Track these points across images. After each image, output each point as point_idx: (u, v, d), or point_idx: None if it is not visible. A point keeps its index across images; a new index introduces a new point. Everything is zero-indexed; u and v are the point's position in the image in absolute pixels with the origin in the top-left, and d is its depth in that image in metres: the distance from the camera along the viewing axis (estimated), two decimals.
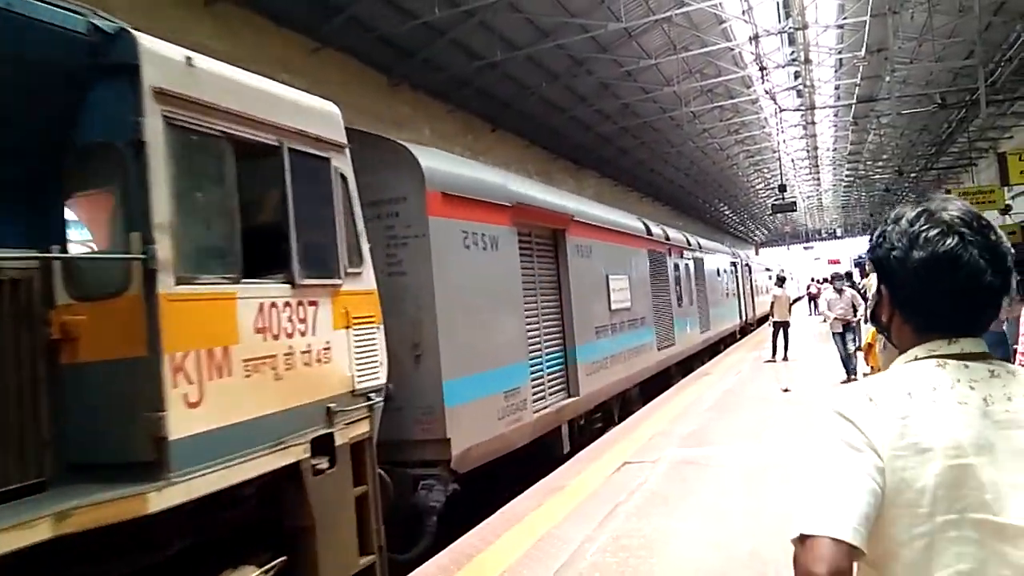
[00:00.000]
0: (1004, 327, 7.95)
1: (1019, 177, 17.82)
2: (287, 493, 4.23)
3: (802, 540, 1.23)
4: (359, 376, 4.91)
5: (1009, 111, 24.83)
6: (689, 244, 17.38)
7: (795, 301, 27.80)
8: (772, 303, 17.16)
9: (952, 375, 1.34)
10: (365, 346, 5.02)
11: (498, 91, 20.28)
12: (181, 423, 3.35)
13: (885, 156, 37.39)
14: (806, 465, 1.34)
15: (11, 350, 3.22)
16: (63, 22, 3.30)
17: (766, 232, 77.41)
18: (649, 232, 13.87)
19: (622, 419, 10.81)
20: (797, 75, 25.32)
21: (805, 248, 73.43)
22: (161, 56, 3.58)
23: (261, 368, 3.95)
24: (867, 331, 10.31)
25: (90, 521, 2.97)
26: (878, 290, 1.51)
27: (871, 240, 1.51)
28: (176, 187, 3.51)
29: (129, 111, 3.37)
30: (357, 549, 4.68)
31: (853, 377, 11.58)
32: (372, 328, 5.14)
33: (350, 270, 4.93)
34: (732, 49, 22.24)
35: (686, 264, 16.63)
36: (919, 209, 1.41)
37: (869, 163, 40.58)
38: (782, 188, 32.84)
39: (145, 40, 3.51)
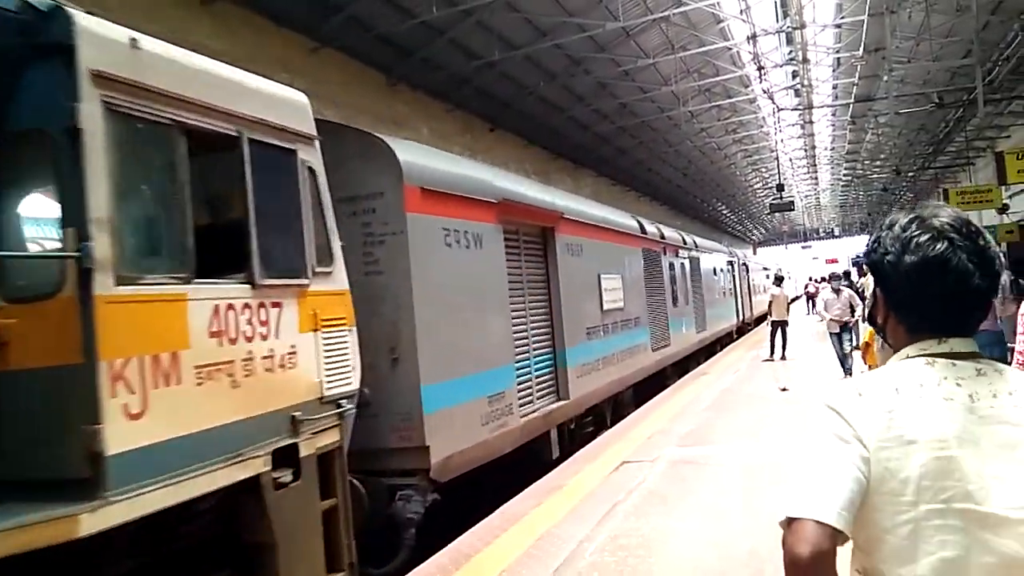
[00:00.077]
0: (999, 325, 7.98)
1: (1016, 176, 17.76)
2: (246, 508, 3.95)
3: (789, 523, 1.31)
4: (328, 382, 4.62)
5: (1007, 110, 24.76)
6: (685, 243, 17.03)
7: (793, 300, 27.80)
8: (770, 302, 17.02)
9: (940, 373, 1.40)
10: (336, 350, 4.73)
11: (496, 91, 20.18)
12: (120, 436, 3.05)
13: (883, 155, 37.34)
14: (798, 455, 1.41)
15: None
16: None
17: (764, 231, 77.36)
18: (643, 230, 13.55)
19: (615, 422, 10.50)
20: (795, 74, 25.23)
21: (803, 247, 73.44)
22: (101, 36, 3.28)
23: (216, 375, 3.66)
24: (865, 330, 10.33)
25: (14, 546, 2.68)
26: (874, 292, 1.57)
27: (867, 245, 1.57)
28: (117, 179, 3.21)
29: (64, 95, 3.08)
30: (324, 566, 4.41)
31: (850, 376, 11.61)
32: (344, 331, 4.85)
33: (319, 269, 4.64)
34: (730, 48, 22.11)
35: (682, 263, 16.28)
36: (911, 216, 1.47)
37: (867, 162, 40.52)
38: (780, 187, 32.81)
39: (83, 19, 3.21)
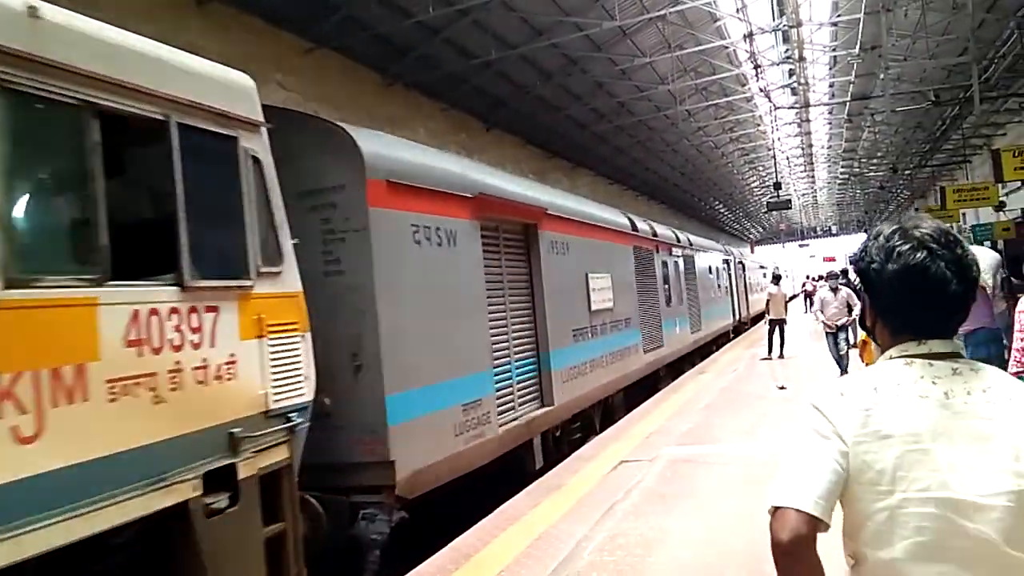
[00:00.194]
0: (996, 323, 7.99)
1: (1013, 174, 17.76)
2: (173, 539, 3.52)
3: (774, 511, 1.46)
4: (276, 394, 4.18)
5: (1003, 108, 24.69)
6: (678, 241, 16.54)
7: (791, 299, 27.82)
8: (768, 301, 16.83)
9: (917, 372, 1.52)
10: (285, 358, 4.30)
11: (493, 90, 20.05)
12: (6, 464, 2.62)
13: (880, 153, 37.27)
14: (786, 450, 1.55)
15: None
16: None
17: (761, 230, 77.36)
18: (634, 228, 13.04)
19: (605, 427, 10.08)
20: (791, 73, 25.16)
21: (800, 246, 73.58)
22: None
23: (134, 389, 3.21)
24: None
25: None
26: (862, 298, 1.71)
27: (856, 254, 1.68)
28: (8, 166, 2.79)
29: None
30: None
31: (846, 375, 11.60)
32: (295, 337, 4.41)
33: (264, 269, 4.21)
34: (726, 47, 21.97)
35: (675, 262, 15.80)
36: (895, 227, 1.60)
37: (864, 160, 40.46)
38: (777, 186, 32.81)
39: None
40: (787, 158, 41.69)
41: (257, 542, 3.95)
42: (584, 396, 9.61)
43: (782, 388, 11.82)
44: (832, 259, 56.91)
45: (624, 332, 11.59)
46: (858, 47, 19.66)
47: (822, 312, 12.88)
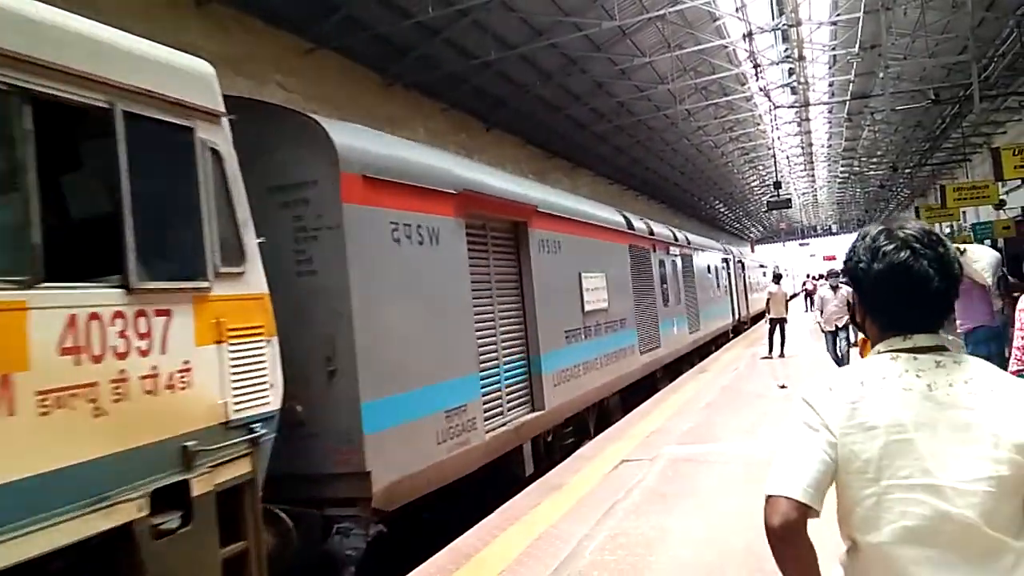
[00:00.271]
0: (996, 321, 8.00)
1: (1013, 172, 17.72)
2: (117, 563, 3.21)
3: (767, 499, 1.55)
4: (237, 403, 3.88)
5: (1003, 106, 24.63)
6: (676, 239, 16.21)
7: (792, 298, 27.80)
8: (768, 300, 16.79)
9: (902, 366, 1.59)
10: (248, 364, 4.01)
11: (493, 90, 19.96)
12: None
13: (879, 152, 37.22)
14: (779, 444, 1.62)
15: None
16: None
17: (762, 229, 77.31)
18: (630, 226, 12.67)
19: (600, 431, 9.77)
20: (791, 72, 25.11)
21: (801, 245, 73.58)
22: None
23: (69, 402, 2.92)
24: None
25: None
26: (853, 296, 1.77)
27: (846, 255, 1.76)
28: None
29: None
30: None
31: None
32: (259, 341, 4.12)
33: (224, 269, 3.91)
34: (726, 47, 21.89)
35: (673, 261, 15.48)
36: (881, 228, 1.68)
37: (864, 159, 40.42)
38: (777, 185, 32.77)
39: None
40: (787, 157, 41.65)
41: (214, 563, 3.65)
42: (577, 399, 9.28)
43: (783, 387, 11.80)
44: (832, 258, 56.79)
45: (620, 333, 11.25)
46: (857, 46, 19.64)
47: (821, 311, 12.87)
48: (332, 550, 4.96)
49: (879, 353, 1.65)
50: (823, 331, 12.83)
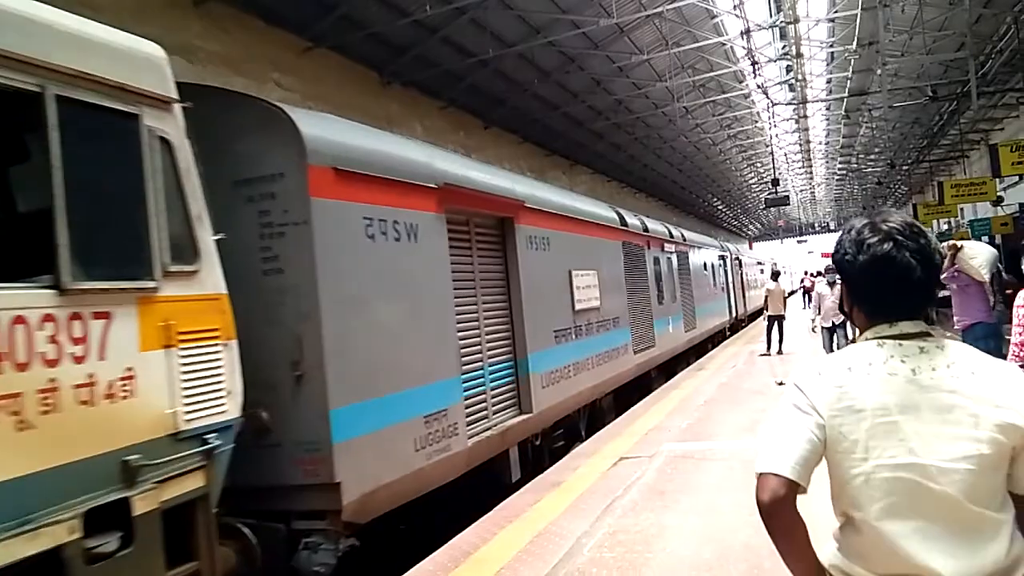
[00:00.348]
0: (994, 318, 8.02)
1: (1010, 168, 17.78)
2: None
3: (758, 477, 1.69)
4: (189, 412, 3.62)
5: (1000, 103, 24.67)
6: (671, 236, 15.92)
7: (790, 295, 27.82)
8: (766, 297, 16.85)
9: (887, 352, 1.69)
10: (202, 370, 3.75)
11: (490, 88, 19.96)
12: None
13: (877, 149, 37.22)
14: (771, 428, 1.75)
15: None
16: None
17: (760, 226, 77.35)
18: (623, 222, 12.34)
19: (592, 433, 9.54)
20: (789, 69, 25.07)
21: (799, 242, 73.56)
22: None
23: None
24: None
25: None
26: (841, 286, 1.89)
27: (834, 247, 1.85)
28: None
29: None
30: None
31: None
32: (215, 346, 3.86)
33: (175, 268, 3.65)
34: (724, 44, 21.93)
35: (668, 258, 15.21)
36: (865, 221, 1.78)
37: (861, 156, 40.40)
38: (775, 182, 32.76)
39: None
40: (785, 154, 41.69)
41: None
42: (567, 401, 8.98)
43: (781, 384, 11.80)
44: (830, 255, 56.92)
45: (612, 332, 10.98)
46: (855, 43, 19.62)
47: (819, 308, 12.87)
48: (299, 566, 4.67)
49: (866, 340, 1.74)
50: (819, 328, 12.81)
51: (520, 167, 22.44)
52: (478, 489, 6.73)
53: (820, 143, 40.48)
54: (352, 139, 5.69)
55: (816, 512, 1.80)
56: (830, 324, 12.49)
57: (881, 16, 16.60)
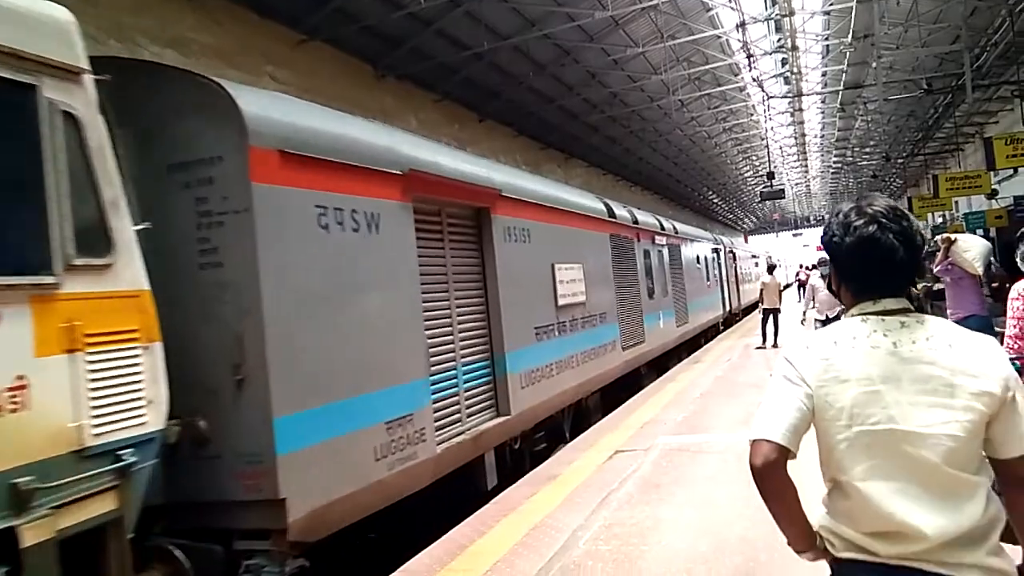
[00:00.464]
0: (986, 310, 8.06)
1: (1005, 162, 17.81)
2: None
3: (751, 444, 1.81)
4: (98, 426, 3.18)
5: (995, 96, 24.74)
6: (663, 228, 15.45)
7: (785, 288, 27.86)
8: (761, 290, 16.86)
9: (871, 327, 1.81)
10: (115, 377, 3.30)
11: (485, 81, 19.96)
12: None
13: (872, 142, 37.33)
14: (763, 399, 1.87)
15: None
16: None
17: (755, 220, 77.48)
18: (612, 214, 11.84)
19: (577, 433, 9.09)
20: (784, 62, 25.13)
21: (794, 235, 73.67)
22: None
23: None
24: None
25: None
26: (830, 266, 1.99)
27: (823, 230, 1.99)
28: None
29: None
30: None
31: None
32: (132, 349, 3.42)
33: (80, 261, 3.20)
34: (719, 37, 21.94)
35: (659, 251, 14.74)
36: (852, 205, 1.90)
37: (856, 149, 40.52)
38: (770, 175, 32.78)
39: None
40: (780, 147, 41.76)
41: None
42: (550, 401, 8.50)
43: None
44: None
45: (599, 328, 10.51)
46: (850, 35, 19.62)
47: (813, 299, 12.89)
48: None
49: (851, 316, 1.87)
50: (810, 320, 12.83)
51: (515, 160, 22.45)
52: (451, 497, 6.39)
53: (815, 136, 40.54)
54: (302, 119, 5.15)
55: (806, 483, 1.93)
56: (824, 317, 12.53)
57: (876, 9, 16.61)
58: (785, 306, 18.18)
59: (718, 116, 31.16)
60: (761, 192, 35.02)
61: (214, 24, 12.83)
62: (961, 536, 1.69)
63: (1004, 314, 4.85)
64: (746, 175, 50.10)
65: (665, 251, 15.36)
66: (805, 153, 45.56)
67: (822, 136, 40.11)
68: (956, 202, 29.35)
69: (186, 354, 4.04)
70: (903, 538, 1.72)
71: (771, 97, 26.65)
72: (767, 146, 34.78)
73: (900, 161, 36.73)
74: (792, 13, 19.87)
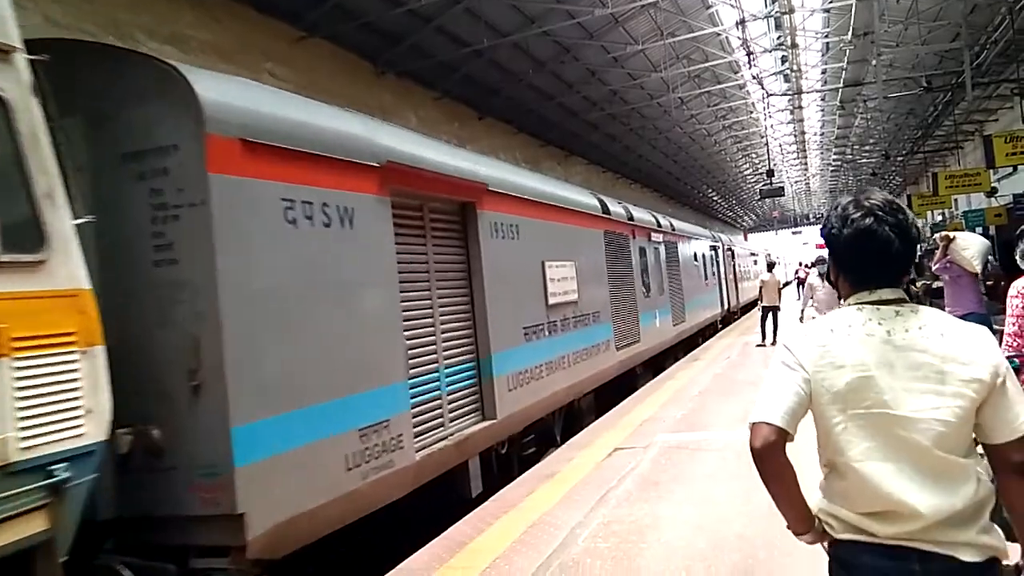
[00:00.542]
0: (984, 307, 8.07)
1: (1005, 160, 17.81)
2: None
3: (751, 427, 1.88)
4: (26, 439, 2.92)
5: (995, 94, 24.72)
6: (659, 225, 15.20)
7: (784, 285, 27.82)
8: (760, 288, 16.90)
9: (866, 315, 1.89)
10: (47, 386, 3.03)
11: (485, 78, 19.94)
12: None
13: (872, 140, 37.32)
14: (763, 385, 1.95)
15: None
16: None
17: (755, 217, 77.46)
18: (606, 210, 11.55)
19: (568, 436, 8.84)
20: (784, 60, 25.11)
21: (793, 233, 73.72)
22: None
23: None
24: None
25: None
26: (829, 258, 2.06)
27: (823, 222, 2.05)
28: None
29: None
30: None
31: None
32: (68, 354, 3.14)
33: (6, 258, 2.96)
34: (719, 34, 21.94)
35: (655, 248, 14.50)
36: (850, 199, 1.97)
37: (856, 147, 40.53)
38: (770, 173, 32.76)
39: None
40: (780, 145, 41.72)
41: None
42: (539, 404, 8.18)
43: None
44: (824, 246, 57.04)
45: (592, 327, 10.20)
46: (850, 33, 19.63)
47: (811, 297, 12.89)
48: None
49: (848, 305, 1.95)
50: (807, 319, 12.82)
51: (515, 158, 22.44)
52: (434, 506, 6.14)
53: (815, 134, 40.52)
54: (268, 106, 4.79)
55: (804, 472, 1.98)
56: (823, 315, 12.51)
57: (876, 6, 16.61)
58: (784, 304, 18.15)
59: (718, 114, 31.14)
60: (760, 190, 35.02)
61: (212, 21, 12.80)
62: (953, 515, 1.76)
63: (1002, 312, 4.85)
64: (746, 173, 50.08)
65: (661, 248, 15.15)
66: (805, 151, 45.55)
67: (822, 134, 40.10)
68: (955, 200, 29.37)
69: (140, 357, 3.86)
70: (899, 517, 1.79)
71: (771, 95, 26.63)
72: (767, 144, 34.76)
73: (900, 159, 36.73)
74: (792, 10, 19.88)
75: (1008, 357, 3.92)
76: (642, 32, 20.14)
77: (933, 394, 1.79)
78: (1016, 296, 4.55)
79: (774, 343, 15.95)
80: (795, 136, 40.86)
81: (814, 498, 1.98)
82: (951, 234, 8.17)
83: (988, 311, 7.87)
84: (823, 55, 25.19)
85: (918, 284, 13.46)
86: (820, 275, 12.94)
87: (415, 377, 5.92)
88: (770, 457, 1.85)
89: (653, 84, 24.11)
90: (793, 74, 25.80)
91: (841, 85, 24.91)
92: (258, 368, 4.18)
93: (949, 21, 18.80)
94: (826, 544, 1.98)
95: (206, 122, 4.06)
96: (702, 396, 10.56)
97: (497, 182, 7.70)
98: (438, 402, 6.31)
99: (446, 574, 4.72)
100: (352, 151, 5.28)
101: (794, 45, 22.34)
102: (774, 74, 26.67)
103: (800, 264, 40.68)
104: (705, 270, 20.72)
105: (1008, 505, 1.85)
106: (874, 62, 19.43)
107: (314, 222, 4.78)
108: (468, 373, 6.91)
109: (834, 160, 46.81)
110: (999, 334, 4.88)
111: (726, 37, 22.40)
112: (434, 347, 6.34)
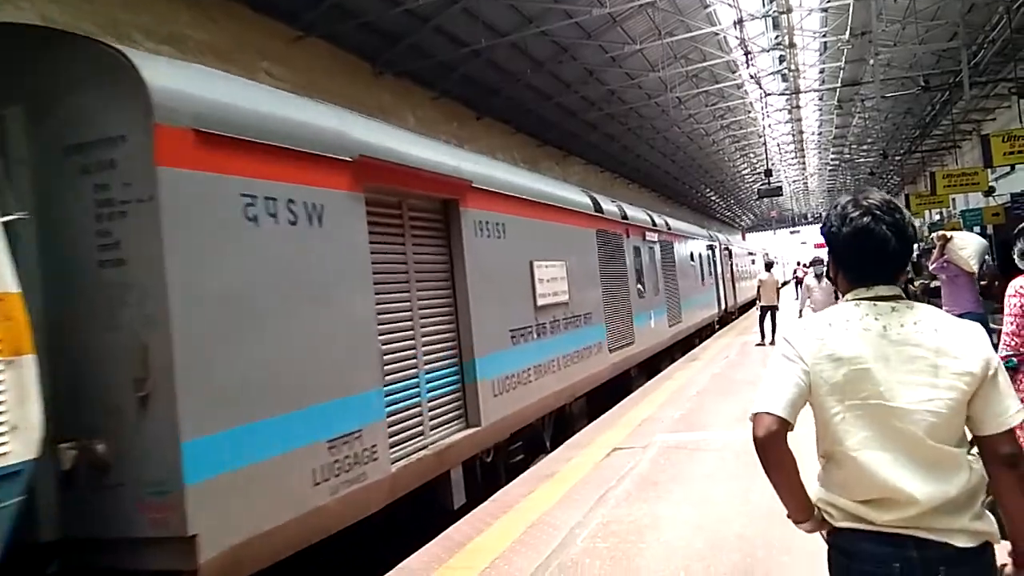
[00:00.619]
0: (981, 307, 8.08)
1: (1002, 159, 17.82)
2: None
3: (753, 417, 1.95)
4: None
5: (992, 93, 24.74)
6: (654, 224, 14.90)
7: (783, 285, 27.84)
8: (759, 287, 16.87)
9: (863, 311, 1.97)
10: None
11: (483, 78, 19.90)
12: None
13: (870, 139, 37.38)
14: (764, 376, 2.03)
15: None
16: None
17: (752, 217, 77.52)
18: (598, 208, 11.25)
19: (559, 443, 8.47)
20: (782, 59, 25.11)
21: (791, 232, 73.80)
22: None
23: None
24: None
25: None
26: (829, 255, 2.13)
27: (822, 221, 2.13)
28: None
29: None
30: None
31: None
32: None
33: None
34: (717, 34, 21.94)
35: (650, 247, 14.21)
36: (848, 198, 2.03)
37: (854, 147, 40.57)
38: (768, 173, 32.79)
39: None
40: (778, 145, 41.76)
41: None
42: (527, 410, 7.86)
43: None
44: (822, 245, 57.05)
45: (583, 329, 9.89)
46: (848, 33, 19.67)
47: (808, 297, 12.88)
48: None
49: (846, 301, 2.02)
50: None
51: (513, 157, 22.44)
52: (412, 517, 5.87)
53: (813, 133, 40.56)
54: (225, 95, 4.43)
55: (804, 464, 2.04)
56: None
57: (874, 6, 16.63)
58: (783, 303, 18.17)
59: (716, 113, 31.14)
60: (758, 189, 35.05)
61: (209, 21, 12.79)
62: (947, 503, 1.84)
63: (999, 311, 4.86)
64: (743, 172, 50.12)
65: (657, 248, 14.90)
66: (803, 150, 45.60)
67: (819, 133, 40.15)
68: (953, 199, 29.38)
69: (85, 365, 3.63)
70: (895, 504, 1.86)
71: (769, 94, 26.67)
72: (764, 143, 34.80)
73: (898, 158, 36.76)
74: (790, 10, 19.92)
75: (1006, 356, 3.94)
76: (640, 32, 20.14)
77: (927, 386, 1.86)
78: (1014, 295, 4.56)
79: (773, 343, 15.97)
80: (793, 135, 40.90)
81: (813, 488, 2.04)
82: (948, 233, 8.19)
83: (985, 310, 7.89)
84: (821, 55, 25.21)
85: (916, 283, 13.47)
86: (816, 275, 12.95)
87: (392, 383, 5.60)
88: (772, 446, 1.91)
89: (651, 84, 24.11)
90: (791, 74, 25.84)
91: (839, 84, 24.97)
92: (212, 377, 3.87)
93: (947, 20, 18.82)
94: (825, 533, 2.04)
95: (155, 111, 3.74)
96: (700, 396, 10.56)
97: (482, 179, 7.38)
98: (417, 409, 5.98)
99: (445, 574, 4.71)
100: (321, 144, 4.96)
101: (792, 45, 22.37)
102: (772, 74, 26.70)
103: (798, 264, 40.75)
104: (702, 270, 20.63)
105: (996, 495, 1.91)
106: (872, 61, 19.47)
107: (278, 219, 4.46)
108: (451, 378, 6.58)
109: (832, 159, 46.87)
110: (996, 333, 4.90)
111: (724, 37, 22.41)
112: (413, 351, 6.01)
